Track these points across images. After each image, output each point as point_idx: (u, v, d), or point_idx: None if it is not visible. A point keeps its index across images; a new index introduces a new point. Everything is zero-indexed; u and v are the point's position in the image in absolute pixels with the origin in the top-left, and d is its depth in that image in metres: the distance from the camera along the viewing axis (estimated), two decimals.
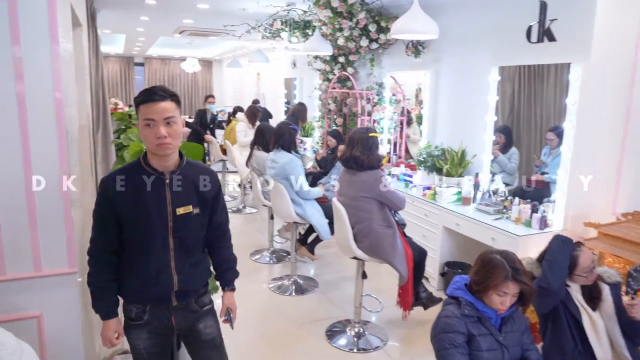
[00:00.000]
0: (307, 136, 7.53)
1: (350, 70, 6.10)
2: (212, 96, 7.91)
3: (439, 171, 4.44)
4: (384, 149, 5.61)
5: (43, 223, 2.03)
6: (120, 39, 10.40)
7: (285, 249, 5.04)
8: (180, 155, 1.82)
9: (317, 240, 4.36)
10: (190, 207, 1.80)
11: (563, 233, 2.34)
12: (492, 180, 4.10)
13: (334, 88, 6.18)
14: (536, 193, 3.76)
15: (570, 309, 2.13)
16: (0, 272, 1.99)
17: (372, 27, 5.32)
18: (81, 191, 2.79)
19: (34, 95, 1.95)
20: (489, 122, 4.08)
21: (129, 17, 7.19)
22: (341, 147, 4.35)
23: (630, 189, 3.38)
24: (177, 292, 1.83)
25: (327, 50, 5.41)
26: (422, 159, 4.60)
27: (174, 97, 1.72)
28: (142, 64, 14.50)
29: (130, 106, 9.85)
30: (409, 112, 5.55)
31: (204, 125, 7.52)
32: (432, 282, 4.18)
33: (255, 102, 9.12)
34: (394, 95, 5.66)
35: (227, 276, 2.06)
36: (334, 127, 6.31)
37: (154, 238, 1.76)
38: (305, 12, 5.90)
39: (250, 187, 5.73)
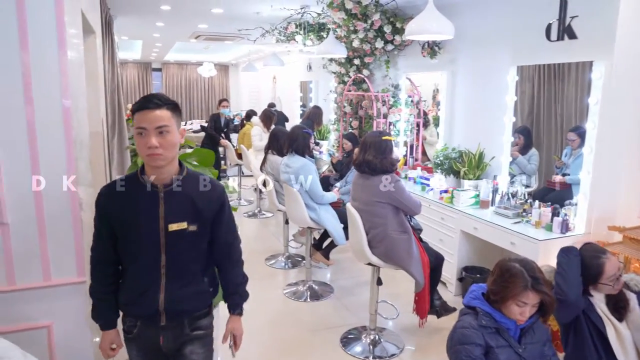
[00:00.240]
0: (323, 139, 7.48)
1: (365, 72, 6.04)
2: (226, 100, 7.91)
3: (457, 174, 4.35)
4: (400, 152, 5.53)
5: (52, 232, 2.02)
6: (137, 45, 10.52)
7: (300, 254, 4.99)
8: (182, 166, 1.73)
9: (332, 245, 4.30)
10: (185, 223, 1.68)
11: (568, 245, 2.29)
12: (512, 182, 4.00)
13: (349, 91, 6.12)
14: (557, 195, 3.66)
15: (593, 320, 2.03)
16: (9, 281, 1.98)
17: (387, 29, 5.25)
18: (93, 198, 2.78)
19: (41, 101, 1.94)
20: (507, 123, 3.97)
21: (145, 23, 7.26)
22: (357, 151, 4.29)
23: None
24: (167, 311, 1.72)
25: (341, 53, 5.35)
26: (439, 162, 4.51)
27: (171, 106, 1.63)
28: (159, 70, 14.65)
29: None
30: (425, 114, 5.46)
31: (217, 129, 7.52)
32: (450, 287, 4.09)
33: (271, 105, 9.11)
34: (410, 97, 5.58)
35: (233, 300, 1.93)
36: (350, 130, 6.25)
37: (145, 253, 1.68)
38: (319, 14, 5.87)
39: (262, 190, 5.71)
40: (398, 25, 5.24)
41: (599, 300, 2.08)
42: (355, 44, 5.49)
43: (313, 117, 6.67)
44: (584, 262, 2.11)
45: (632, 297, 2.11)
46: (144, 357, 1.80)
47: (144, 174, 1.68)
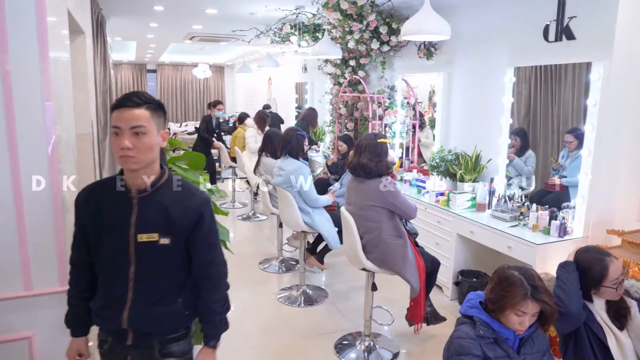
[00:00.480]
0: (319, 140, 7.41)
1: (361, 73, 5.98)
2: (221, 103, 7.84)
3: (453, 176, 4.29)
4: (396, 154, 5.47)
5: (33, 239, 1.94)
6: (132, 46, 10.44)
7: (294, 258, 4.92)
8: (163, 171, 1.60)
9: (327, 249, 4.24)
10: (156, 235, 1.53)
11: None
12: (509, 185, 3.94)
13: (344, 92, 6.06)
14: (554, 198, 3.61)
15: (593, 329, 1.96)
16: None
17: (383, 29, 5.20)
18: None
19: (22, 103, 1.86)
20: (504, 124, 3.92)
21: (138, 24, 7.18)
22: (351, 153, 4.23)
23: None
24: (133, 329, 1.58)
25: (336, 54, 5.29)
26: (435, 164, 4.45)
27: (152, 106, 1.51)
28: (154, 71, 14.56)
29: None
30: (421, 115, 5.40)
31: (210, 131, 7.45)
32: (446, 291, 4.03)
33: (266, 107, 9.05)
34: (405, 98, 5.52)
35: (207, 330, 1.68)
36: (345, 132, 6.20)
37: (113, 262, 1.56)
38: (314, 15, 5.80)
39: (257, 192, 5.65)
40: (394, 25, 5.18)
41: (599, 308, 2.02)
42: (351, 44, 5.43)
43: (308, 118, 6.61)
44: (587, 264, 2.04)
45: (633, 305, 2.05)
46: None
47: (123, 178, 1.57)
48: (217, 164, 8.51)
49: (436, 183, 4.41)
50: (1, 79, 1.82)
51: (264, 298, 4.08)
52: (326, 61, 6.27)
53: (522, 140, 3.94)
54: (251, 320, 3.70)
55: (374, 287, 3.16)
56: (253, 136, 6.43)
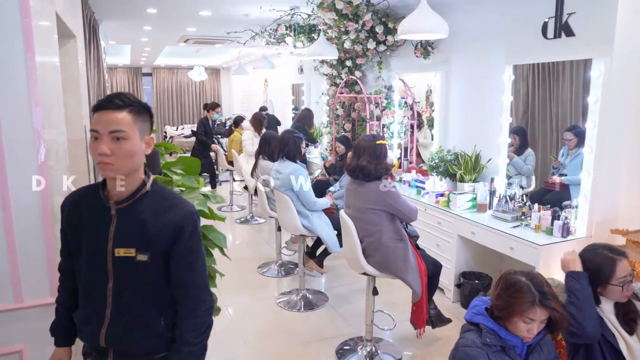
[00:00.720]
0: (317, 140, 7.34)
1: (357, 74, 5.93)
2: (219, 105, 7.79)
3: (453, 177, 4.24)
4: (394, 154, 5.41)
5: (22, 249, 1.87)
6: (126, 49, 10.36)
7: (294, 261, 4.86)
8: (146, 180, 1.47)
9: (326, 252, 4.18)
10: (133, 250, 1.41)
11: (564, 258, 2.07)
12: (509, 184, 3.89)
13: (341, 93, 6.01)
14: (554, 196, 3.56)
15: (604, 334, 1.90)
16: None
17: (379, 29, 5.14)
18: None
19: (8, 110, 1.80)
20: (503, 123, 3.87)
21: (132, 27, 7.11)
22: (350, 155, 4.17)
23: None
24: (112, 348, 1.48)
25: (332, 54, 5.24)
26: (434, 164, 4.40)
27: (135, 109, 1.39)
28: (150, 74, 14.48)
29: None
30: (419, 115, 5.35)
31: (208, 134, 7.40)
32: (448, 293, 3.97)
33: (263, 109, 8.99)
34: (403, 98, 5.46)
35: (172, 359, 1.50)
36: (343, 133, 6.14)
37: (91, 275, 1.46)
38: (309, 15, 5.75)
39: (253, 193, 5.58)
40: (390, 25, 5.13)
41: (608, 312, 1.96)
42: (347, 45, 5.37)
43: (303, 119, 6.56)
44: (595, 260, 1.96)
45: None
46: None
47: (105, 186, 1.47)
48: (215, 168, 8.45)
49: (436, 184, 4.35)
50: None
51: (263, 302, 4.02)
52: (322, 62, 6.22)
53: (521, 138, 3.89)
54: (250, 325, 3.64)
55: (375, 292, 3.10)
56: (250, 139, 6.37)
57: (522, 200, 3.70)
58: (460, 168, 4.16)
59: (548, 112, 3.60)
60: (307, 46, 6.15)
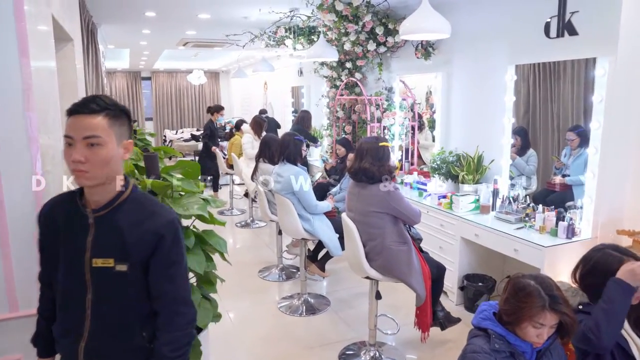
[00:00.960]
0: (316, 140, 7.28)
1: (358, 75, 5.90)
2: (222, 108, 7.78)
3: (455, 178, 4.19)
4: (395, 157, 5.37)
5: (17, 257, 1.83)
6: (125, 53, 10.34)
7: (295, 265, 4.81)
8: (126, 187, 1.42)
9: (328, 256, 4.13)
10: (112, 260, 1.36)
11: (621, 273, 1.81)
12: (512, 185, 3.84)
13: (341, 95, 5.97)
14: (557, 197, 3.52)
15: (617, 340, 1.85)
16: None
17: (379, 30, 5.11)
18: None
19: (2, 116, 1.76)
20: (506, 124, 3.83)
21: (130, 31, 7.10)
22: (351, 156, 4.13)
23: None
24: None
25: (332, 56, 5.20)
26: (436, 166, 4.36)
27: (112, 113, 1.32)
28: (149, 78, 14.45)
29: (134, 121, 9.78)
30: (420, 117, 5.31)
31: (213, 137, 7.38)
32: (451, 296, 3.92)
33: (263, 112, 8.96)
34: (404, 99, 5.43)
35: None
36: (343, 135, 6.10)
37: (69, 287, 1.40)
38: (309, 17, 5.72)
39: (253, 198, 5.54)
40: (390, 26, 5.10)
41: None
42: (347, 46, 5.34)
43: (302, 121, 6.53)
44: (605, 261, 1.87)
45: None
46: None
47: (82, 194, 1.40)
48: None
49: (438, 185, 4.31)
50: None
51: (265, 307, 3.97)
52: (322, 64, 6.18)
53: (522, 139, 3.85)
54: (251, 330, 3.59)
55: (378, 296, 3.05)
56: (250, 142, 6.33)
57: (526, 201, 3.65)
58: (462, 169, 4.12)
59: (549, 112, 3.56)
60: (307, 48, 6.12)
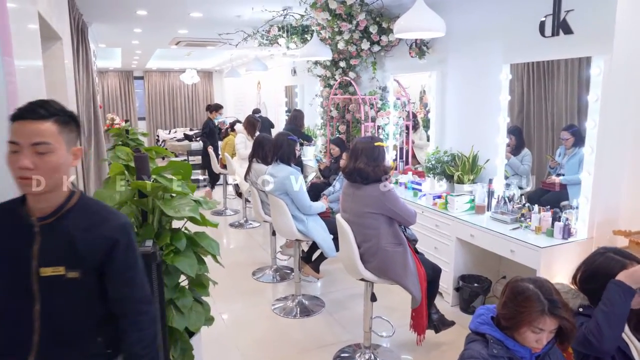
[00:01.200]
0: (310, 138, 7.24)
1: (351, 75, 5.86)
2: (221, 107, 7.75)
3: (450, 178, 4.17)
4: (389, 156, 5.34)
5: None
6: (117, 53, 10.24)
7: (289, 266, 4.76)
8: (73, 194, 1.38)
9: (322, 257, 4.09)
10: (62, 268, 1.32)
11: (620, 277, 1.77)
12: (507, 185, 3.81)
13: (335, 94, 5.93)
14: (552, 197, 3.50)
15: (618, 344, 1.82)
16: None
17: (373, 29, 5.07)
18: None
19: None
20: (501, 123, 3.80)
21: (122, 29, 7.01)
22: (345, 156, 4.09)
23: None
24: None
25: (325, 55, 5.16)
26: (431, 166, 4.33)
27: (61, 119, 1.29)
28: (141, 78, 14.34)
29: (126, 121, 9.69)
30: (414, 116, 5.28)
31: (212, 135, 7.33)
32: (447, 297, 3.89)
33: (256, 111, 8.90)
34: (398, 99, 5.39)
35: None
36: (337, 135, 6.06)
37: (13, 300, 1.33)
38: (302, 16, 5.67)
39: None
40: (384, 25, 5.06)
41: None
42: (341, 45, 5.30)
43: (294, 120, 6.49)
44: (607, 264, 1.84)
45: None
46: None
47: (25, 202, 1.35)
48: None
49: (433, 185, 4.28)
50: None
51: (258, 309, 3.92)
52: (316, 63, 6.14)
53: (517, 138, 3.83)
54: (245, 333, 3.54)
55: (373, 298, 3.02)
56: (243, 142, 6.28)
57: (521, 201, 3.63)
58: (457, 169, 4.09)
59: (543, 112, 3.54)
60: (300, 47, 6.08)
